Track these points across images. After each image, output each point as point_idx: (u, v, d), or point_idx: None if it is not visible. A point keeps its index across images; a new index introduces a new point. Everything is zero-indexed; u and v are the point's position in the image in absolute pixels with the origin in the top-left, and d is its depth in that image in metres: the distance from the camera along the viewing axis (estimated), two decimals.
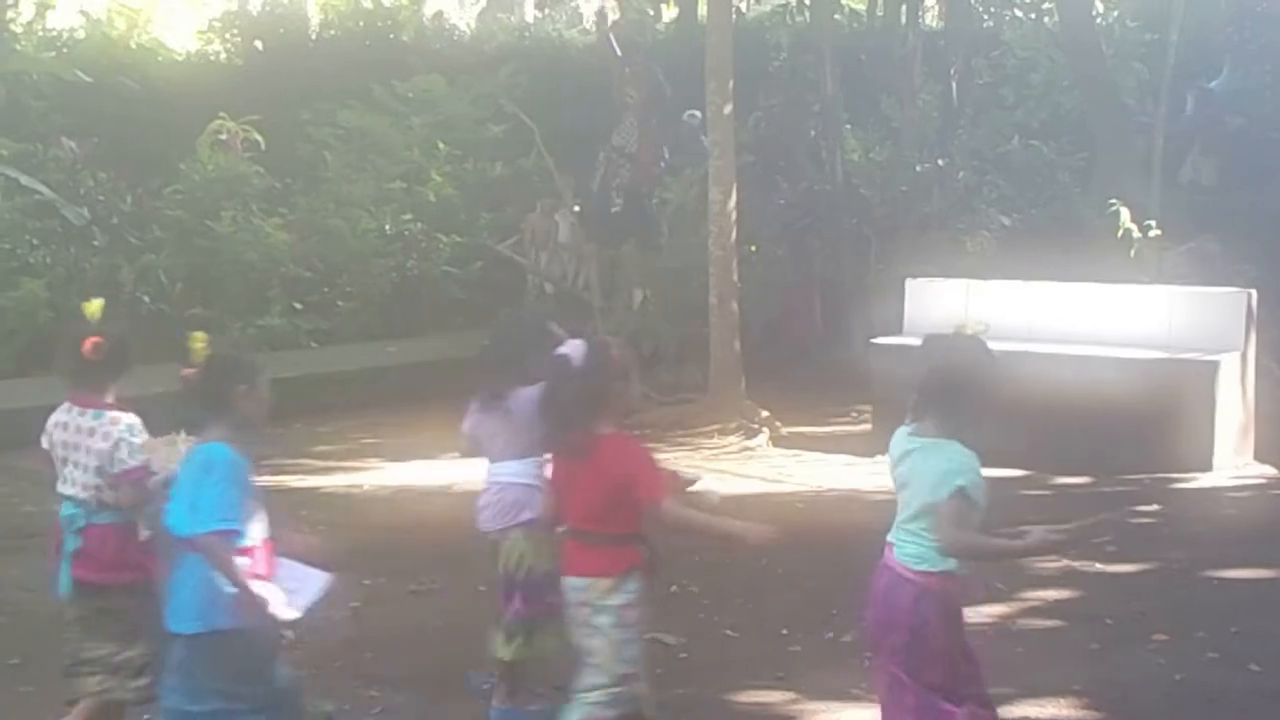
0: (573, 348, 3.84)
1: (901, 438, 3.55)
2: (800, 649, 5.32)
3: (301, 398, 10.62)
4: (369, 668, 5.17)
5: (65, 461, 4.05)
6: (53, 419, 4.11)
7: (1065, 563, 6.25)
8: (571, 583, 3.80)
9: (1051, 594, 5.94)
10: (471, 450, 4.51)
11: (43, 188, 12.73)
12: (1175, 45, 12.66)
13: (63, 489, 4.07)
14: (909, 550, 3.44)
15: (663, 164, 13.90)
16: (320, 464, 9.08)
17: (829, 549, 6.47)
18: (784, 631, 4.77)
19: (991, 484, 3.42)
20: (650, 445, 9.33)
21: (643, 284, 12.24)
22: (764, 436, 9.78)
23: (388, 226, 13.80)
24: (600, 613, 3.73)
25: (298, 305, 13.07)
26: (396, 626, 5.68)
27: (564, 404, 3.74)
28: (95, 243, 12.94)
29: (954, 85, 13.86)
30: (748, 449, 9.58)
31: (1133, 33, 14.18)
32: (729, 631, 5.60)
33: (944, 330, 3.61)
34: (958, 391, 3.45)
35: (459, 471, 8.68)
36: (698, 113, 14.02)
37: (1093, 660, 5.13)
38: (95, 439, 4.00)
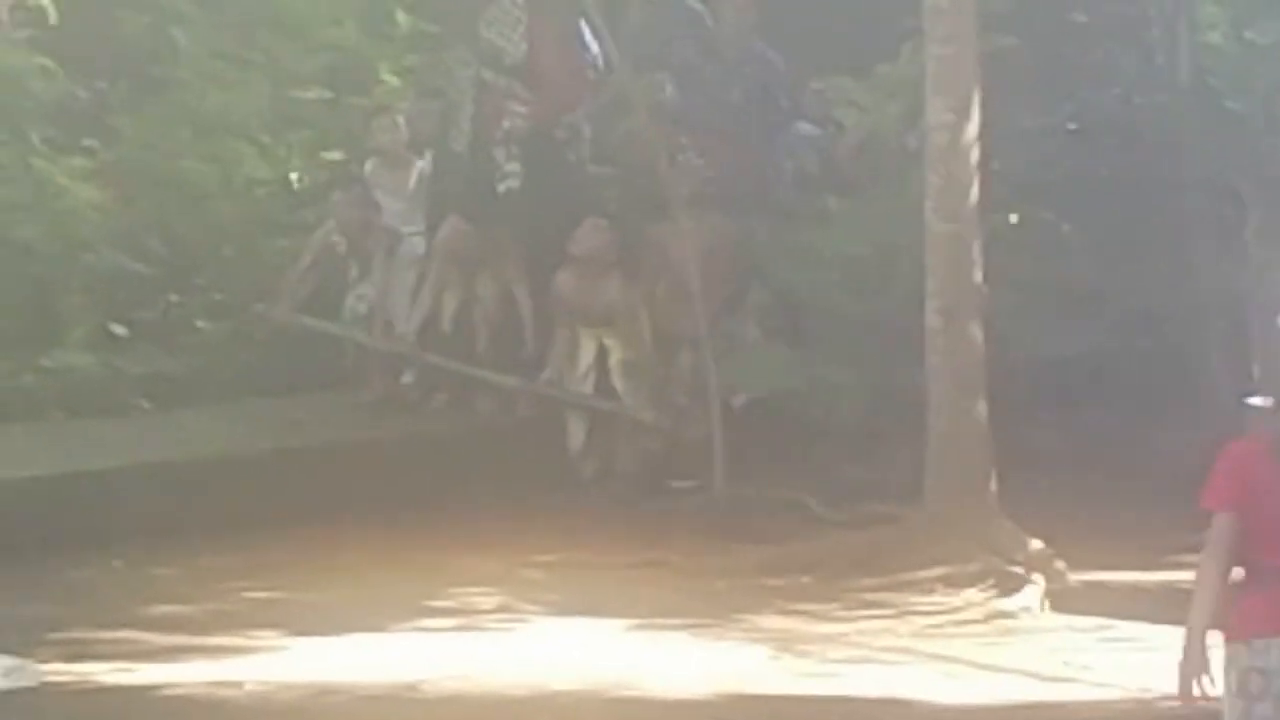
0: None
1: None
2: None
3: (127, 508, 10.79)
4: None
5: None
6: None
7: None
8: None
9: None
10: None
11: None
12: None
13: None
14: None
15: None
16: (162, 639, 9.14)
17: None
18: None
19: None
20: (811, 607, 9.60)
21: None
22: (1035, 591, 9.85)
23: (296, 174, 14.03)
24: None
25: (118, 328, 13.21)
26: None
27: None
28: None
29: None
30: (1003, 615, 9.66)
31: None
32: None
33: None
34: None
35: (433, 651, 8.79)
36: None
37: None
38: None
